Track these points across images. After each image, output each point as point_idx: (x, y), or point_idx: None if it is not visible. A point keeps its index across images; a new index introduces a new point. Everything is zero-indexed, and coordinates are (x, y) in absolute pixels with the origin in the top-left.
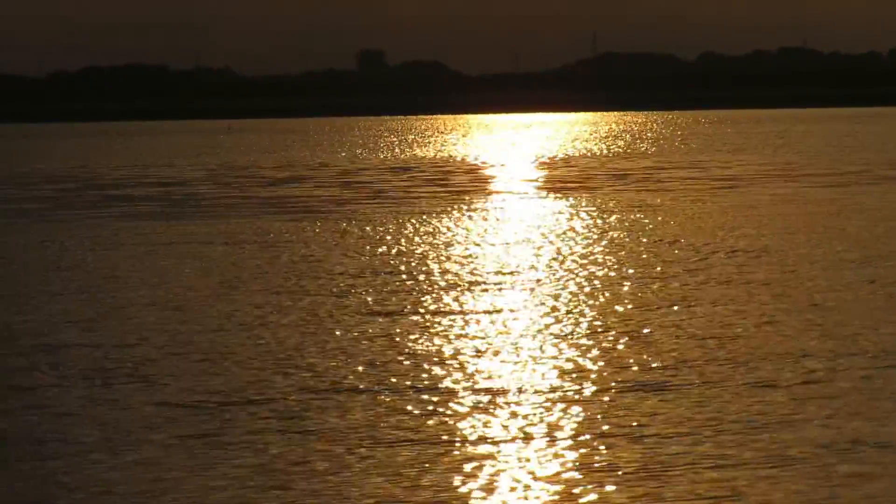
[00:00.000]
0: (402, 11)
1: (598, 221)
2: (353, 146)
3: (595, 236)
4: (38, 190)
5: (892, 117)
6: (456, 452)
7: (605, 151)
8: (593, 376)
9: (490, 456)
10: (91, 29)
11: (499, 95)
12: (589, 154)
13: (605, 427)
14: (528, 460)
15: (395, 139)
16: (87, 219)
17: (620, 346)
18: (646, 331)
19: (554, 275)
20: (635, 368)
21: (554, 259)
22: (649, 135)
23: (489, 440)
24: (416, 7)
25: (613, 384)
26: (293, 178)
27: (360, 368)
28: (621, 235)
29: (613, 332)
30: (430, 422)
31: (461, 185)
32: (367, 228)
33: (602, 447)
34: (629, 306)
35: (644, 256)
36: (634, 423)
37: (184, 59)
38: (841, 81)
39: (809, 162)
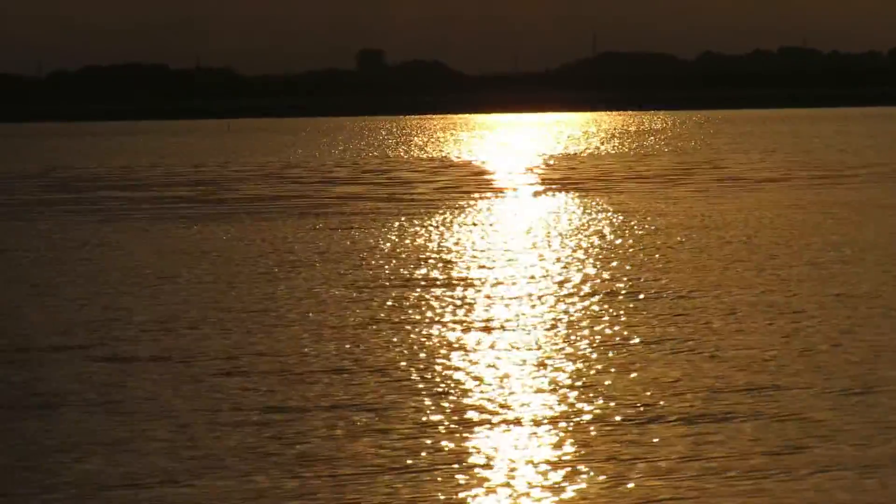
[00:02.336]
0: (402, 11)
1: (631, 224)
2: (357, 146)
3: (633, 239)
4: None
5: (893, 117)
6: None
7: (617, 151)
8: (660, 400)
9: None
10: (91, 29)
11: (499, 95)
12: (605, 153)
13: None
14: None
15: (394, 140)
16: (122, 220)
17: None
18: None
19: (605, 279)
20: (685, 395)
21: (603, 263)
22: (655, 135)
23: (517, 463)
24: (415, 7)
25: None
26: (301, 176)
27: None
28: (664, 239)
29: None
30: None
31: (473, 186)
32: (375, 231)
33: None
34: (675, 320)
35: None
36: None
37: (184, 58)
38: (841, 81)
39: (836, 161)
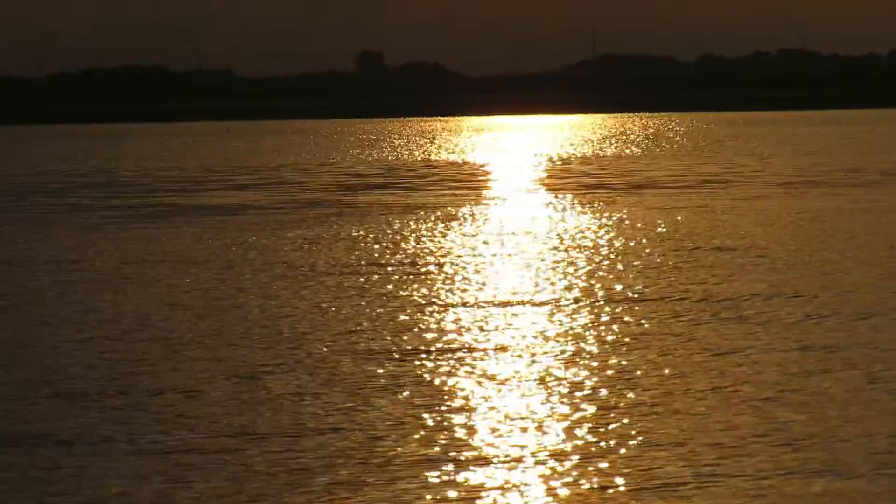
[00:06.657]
0: (401, 13)
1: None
2: (363, 148)
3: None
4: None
5: (892, 119)
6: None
7: (623, 154)
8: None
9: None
10: (91, 30)
11: (498, 97)
12: (612, 156)
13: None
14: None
15: (396, 141)
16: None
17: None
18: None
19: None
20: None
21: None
22: (658, 137)
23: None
24: (415, 9)
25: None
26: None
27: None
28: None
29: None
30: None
31: (484, 187)
32: (376, 234)
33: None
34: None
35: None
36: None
37: (184, 60)
38: (840, 83)
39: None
